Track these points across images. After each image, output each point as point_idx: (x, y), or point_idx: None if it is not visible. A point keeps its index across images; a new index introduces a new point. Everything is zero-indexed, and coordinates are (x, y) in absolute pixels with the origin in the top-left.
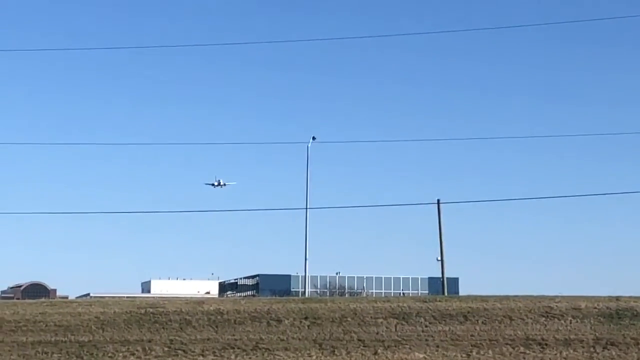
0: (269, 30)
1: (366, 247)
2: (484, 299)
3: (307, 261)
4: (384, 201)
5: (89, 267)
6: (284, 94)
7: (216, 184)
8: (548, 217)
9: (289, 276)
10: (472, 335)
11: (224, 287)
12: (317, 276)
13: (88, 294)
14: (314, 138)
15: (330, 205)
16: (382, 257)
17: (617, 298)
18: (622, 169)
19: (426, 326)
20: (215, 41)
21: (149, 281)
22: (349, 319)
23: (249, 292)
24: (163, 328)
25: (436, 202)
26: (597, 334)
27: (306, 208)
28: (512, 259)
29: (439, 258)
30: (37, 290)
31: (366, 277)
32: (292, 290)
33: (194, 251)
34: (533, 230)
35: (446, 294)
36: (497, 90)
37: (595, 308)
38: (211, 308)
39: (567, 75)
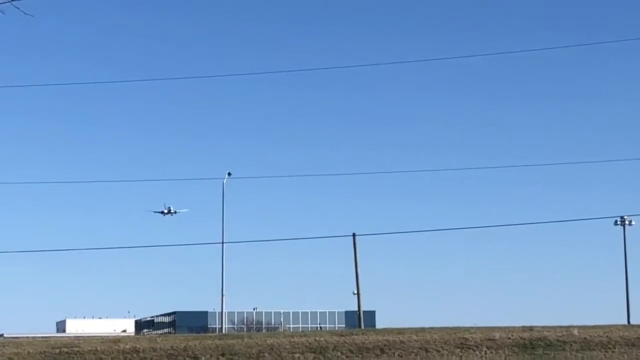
0: (179, 63)
1: (283, 282)
2: (400, 331)
3: (223, 297)
4: (300, 235)
5: (2, 307)
6: (197, 130)
7: (166, 211)
8: (462, 248)
9: (206, 313)
10: None
11: (140, 325)
12: (234, 312)
13: (1, 335)
14: (229, 174)
15: (246, 239)
16: (299, 292)
17: (531, 328)
18: (536, 197)
19: None
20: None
21: (64, 320)
22: (265, 354)
23: (166, 330)
24: None
25: (352, 234)
26: None
27: (222, 242)
28: (427, 290)
29: (355, 291)
30: None
31: (283, 312)
32: (209, 326)
33: (109, 289)
34: (448, 262)
35: (363, 327)
36: (400, 119)
37: (509, 338)
38: (127, 346)
39: (462, 100)
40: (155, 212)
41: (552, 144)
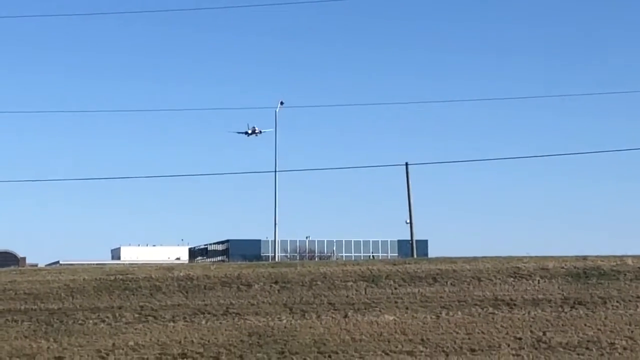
0: None
1: (335, 211)
2: (452, 260)
3: (276, 226)
4: (352, 164)
5: (58, 235)
6: (249, 59)
7: (250, 131)
8: (515, 177)
9: (258, 241)
10: (441, 297)
11: (193, 253)
12: (286, 240)
13: (57, 262)
14: (281, 103)
15: (299, 168)
16: (352, 221)
17: (585, 257)
18: (587, 128)
19: (395, 288)
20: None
21: (119, 248)
22: (318, 282)
23: (219, 258)
24: (133, 294)
25: (404, 164)
26: (565, 293)
27: (275, 171)
28: (480, 220)
29: (408, 220)
30: (6, 259)
31: (336, 240)
32: (262, 255)
33: (163, 217)
34: (501, 191)
35: (415, 256)
36: (461, 50)
37: (563, 268)
38: (181, 274)
39: (525, 30)
40: (239, 132)
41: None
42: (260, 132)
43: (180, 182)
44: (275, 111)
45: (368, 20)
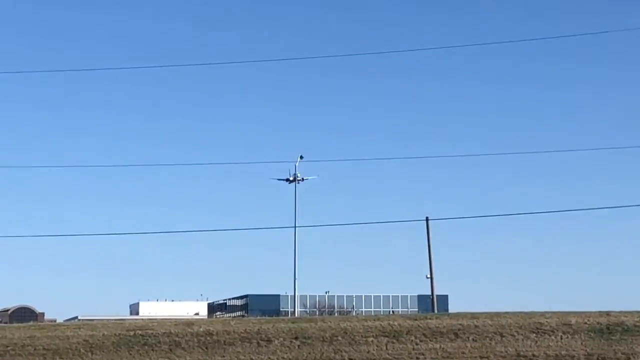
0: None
1: (355, 266)
2: (474, 315)
3: (296, 280)
4: (372, 219)
5: (77, 290)
6: (271, 114)
7: (292, 178)
8: (537, 233)
9: (278, 296)
10: (463, 353)
11: (213, 308)
12: (306, 295)
13: (76, 317)
14: (301, 157)
15: (319, 224)
16: (372, 276)
17: (608, 313)
18: (611, 185)
19: (417, 344)
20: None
21: (137, 303)
22: (339, 338)
23: (238, 313)
24: (152, 350)
25: (425, 219)
26: (588, 349)
27: (294, 227)
28: (501, 275)
29: (429, 275)
30: (24, 314)
31: (355, 295)
32: (281, 310)
33: (182, 272)
34: (522, 246)
35: (436, 311)
36: (482, 109)
37: (586, 323)
38: (201, 329)
39: (554, 93)
40: (280, 179)
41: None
42: (303, 179)
43: (199, 237)
44: (295, 165)
45: (386, 79)
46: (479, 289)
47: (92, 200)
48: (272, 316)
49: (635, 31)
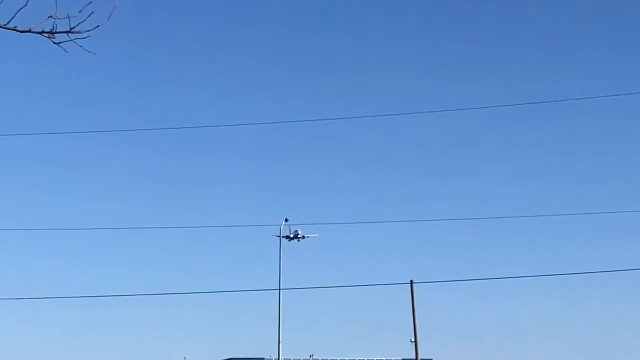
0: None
1: (340, 329)
2: None
3: (280, 344)
4: (357, 282)
5: (51, 352)
6: (254, 177)
7: (292, 236)
8: (521, 296)
9: (262, 359)
10: None
11: None
12: (290, 359)
13: None
14: (286, 220)
15: (303, 286)
16: (356, 339)
17: None
18: (597, 249)
19: None
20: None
21: None
22: None
23: None
24: None
25: (409, 282)
26: None
27: (279, 289)
28: (486, 338)
29: (413, 339)
30: None
31: (340, 359)
32: None
33: (164, 334)
34: (507, 309)
35: None
36: (467, 171)
37: None
38: None
39: (536, 154)
40: (278, 236)
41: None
42: (304, 237)
43: (180, 299)
44: (280, 228)
45: (367, 141)
46: (464, 353)
47: (65, 262)
48: None
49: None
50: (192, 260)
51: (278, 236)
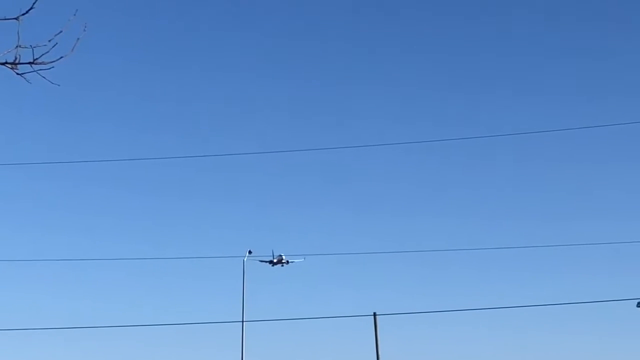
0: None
1: None
2: None
3: None
4: (320, 314)
5: None
6: (220, 207)
7: (275, 260)
8: (487, 328)
9: None
10: None
11: None
12: None
13: None
14: (250, 252)
15: (266, 318)
16: None
17: None
18: (561, 280)
19: None
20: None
21: None
22: None
23: None
24: None
25: (372, 314)
26: None
27: (242, 321)
28: None
29: None
30: None
31: None
32: None
33: None
34: (472, 342)
35: None
36: (423, 205)
37: None
38: None
39: (493, 188)
40: (262, 261)
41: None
42: (288, 262)
43: (141, 332)
44: (244, 260)
45: (333, 178)
46: None
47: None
48: None
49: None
50: (167, 292)
51: (262, 261)
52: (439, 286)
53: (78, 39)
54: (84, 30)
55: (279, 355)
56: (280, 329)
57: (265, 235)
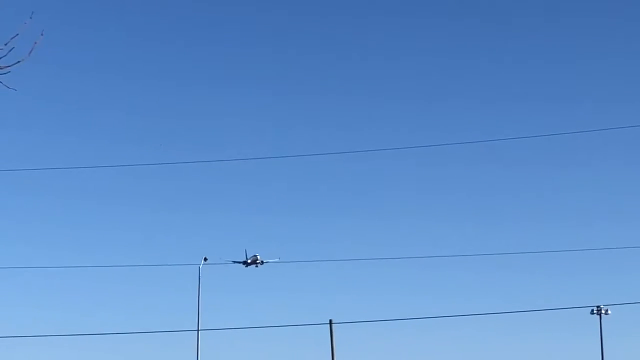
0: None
1: None
2: None
3: None
4: (275, 322)
5: None
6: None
7: (249, 261)
8: (444, 335)
9: None
10: None
11: None
12: None
13: None
14: (205, 259)
15: (221, 327)
16: None
17: None
18: (514, 286)
19: None
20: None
21: None
22: None
23: None
24: None
25: (328, 322)
26: None
27: (197, 330)
28: None
29: None
30: None
31: None
32: None
33: None
34: (428, 349)
35: None
36: (384, 212)
37: None
38: None
39: (441, 195)
40: (235, 262)
41: (523, 231)
42: (262, 262)
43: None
44: (199, 267)
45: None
46: None
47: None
48: None
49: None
50: (134, 300)
51: (235, 262)
52: (395, 294)
53: (35, 42)
54: (41, 34)
55: None
56: (237, 337)
57: (222, 242)
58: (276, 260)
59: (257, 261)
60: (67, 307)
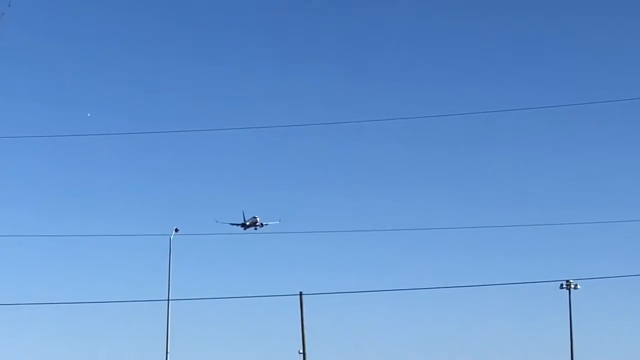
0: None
1: (228, 341)
2: None
3: (168, 354)
4: (245, 293)
5: None
6: (142, 187)
7: (248, 223)
8: (412, 307)
9: None
10: None
11: None
12: None
13: None
14: (176, 230)
15: (192, 297)
16: (245, 350)
17: None
18: (484, 260)
19: None
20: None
21: None
22: None
23: None
24: None
25: (299, 293)
26: None
27: (168, 300)
28: (375, 350)
29: (301, 351)
30: None
31: None
32: None
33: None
34: (397, 321)
35: None
36: (361, 188)
37: None
38: None
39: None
40: (233, 224)
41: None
42: (262, 224)
43: (68, 309)
44: (170, 238)
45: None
46: None
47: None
48: None
49: None
50: (90, 270)
51: (233, 224)
52: (366, 266)
53: (2, 14)
54: (9, 5)
55: (205, 335)
56: (206, 308)
57: (196, 212)
58: (276, 222)
59: (257, 223)
60: (41, 276)
